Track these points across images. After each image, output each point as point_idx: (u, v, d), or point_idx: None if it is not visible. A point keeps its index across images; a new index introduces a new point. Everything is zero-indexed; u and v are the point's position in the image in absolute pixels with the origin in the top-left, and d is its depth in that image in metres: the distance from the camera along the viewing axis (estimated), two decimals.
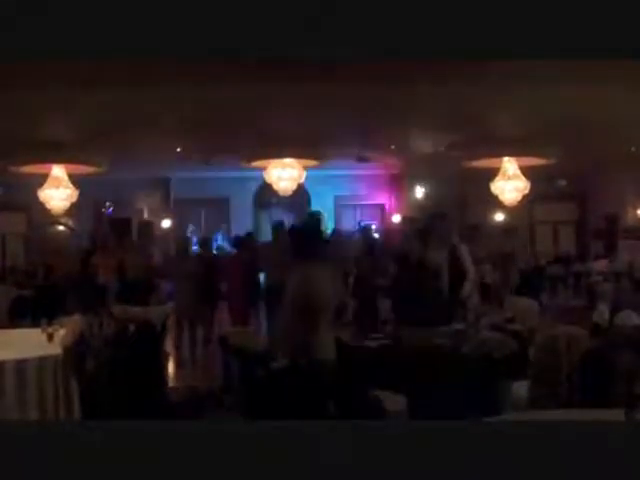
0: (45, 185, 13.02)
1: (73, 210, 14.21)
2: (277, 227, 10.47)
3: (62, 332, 6.24)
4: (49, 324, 6.58)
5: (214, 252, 13.17)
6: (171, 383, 8.30)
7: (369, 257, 10.39)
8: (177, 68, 6.98)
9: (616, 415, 3.41)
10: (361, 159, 13.96)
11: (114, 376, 6.08)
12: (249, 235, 11.76)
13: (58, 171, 12.98)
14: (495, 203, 14.52)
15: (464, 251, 9.57)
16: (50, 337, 6.34)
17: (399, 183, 18.40)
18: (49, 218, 15.60)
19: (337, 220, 18.21)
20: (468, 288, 9.21)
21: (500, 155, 13.22)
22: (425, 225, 11.64)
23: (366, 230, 11.93)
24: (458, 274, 9.37)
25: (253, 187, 18.03)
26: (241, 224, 17.44)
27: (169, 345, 9.44)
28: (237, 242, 11.22)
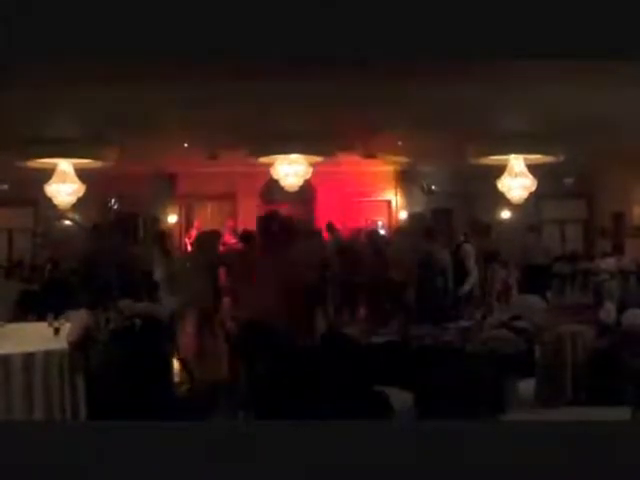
0: (52, 180, 13.04)
1: (79, 205, 14.21)
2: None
3: (68, 326, 6.25)
4: (56, 318, 6.60)
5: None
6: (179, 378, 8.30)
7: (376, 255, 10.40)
8: (183, 65, 6.97)
9: (622, 413, 3.40)
10: (368, 155, 13.94)
11: (120, 371, 6.09)
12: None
13: (65, 166, 13.00)
14: (502, 200, 14.51)
15: (468, 249, 9.59)
16: (56, 331, 6.35)
17: (406, 180, 18.37)
18: (56, 213, 15.60)
19: (343, 216, 18.17)
20: (468, 286, 9.24)
21: (507, 152, 13.19)
22: (431, 223, 11.65)
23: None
24: (462, 272, 9.40)
25: (260, 183, 18.03)
26: (247, 220, 17.46)
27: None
28: (245, 237, 11.20)
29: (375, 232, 12.06)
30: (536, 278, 11.13)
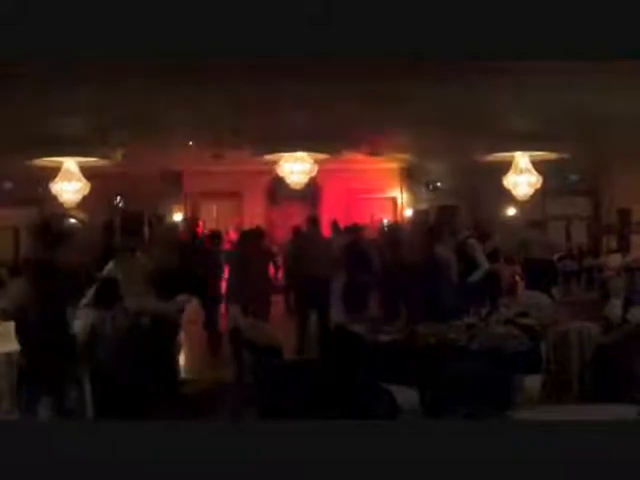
0: (57, 178, 13.07)
1: (85, 203, 14.24)
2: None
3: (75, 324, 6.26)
4: None
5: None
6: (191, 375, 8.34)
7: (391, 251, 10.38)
8: (189, 64, 6.96)
9: (629, 411, 3.39)
10: (373, 153, 13.93)
11: (125, 369, 6.09)
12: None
13: (70, 164, 13.03)
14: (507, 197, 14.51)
15: (474, 245, 9.58)
16: None
17: (411, 176, 18.35)
18: (61, 211, 15.62)
19: (349, 213, 18.16)
20: (477, 275, 9.23)
21: (512, 150, 13.19)
22: (436, 219, 11.63)
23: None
24: (469, 268, 9.38)
25: (265, 181, 18.03)
26: (253, 218, 17.46)
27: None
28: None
29: (392, 228, 12.03)
30: (540, 273, 11.10)
